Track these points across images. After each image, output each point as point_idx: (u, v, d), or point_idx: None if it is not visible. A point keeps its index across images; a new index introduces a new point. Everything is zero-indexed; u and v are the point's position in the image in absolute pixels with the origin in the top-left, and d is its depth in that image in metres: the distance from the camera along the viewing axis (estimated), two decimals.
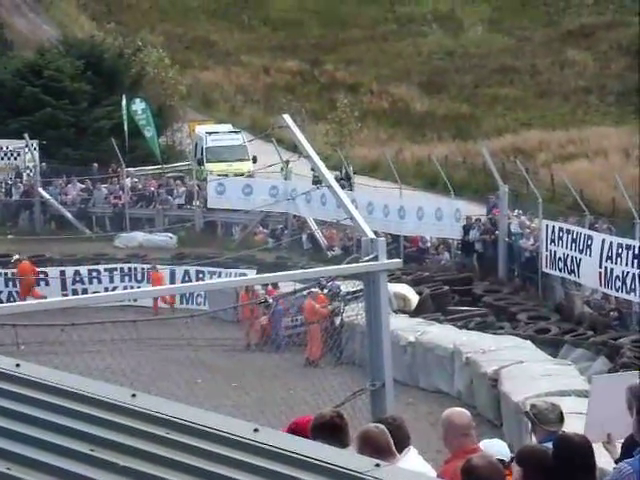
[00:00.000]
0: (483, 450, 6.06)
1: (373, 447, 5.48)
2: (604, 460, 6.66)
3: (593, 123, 44.82)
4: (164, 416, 2.72)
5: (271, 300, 22.37)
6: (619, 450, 6.56)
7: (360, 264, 6.52)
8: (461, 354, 19.60)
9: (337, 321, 21.62)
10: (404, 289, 24.67)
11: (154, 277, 27.96)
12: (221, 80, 56.02)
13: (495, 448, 6.34)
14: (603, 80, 49.54)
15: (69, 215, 35.36)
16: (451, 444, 6.07)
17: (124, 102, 39.45)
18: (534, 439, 6.63)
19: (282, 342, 23.94)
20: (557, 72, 51.75)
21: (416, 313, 23.81)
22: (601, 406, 6.76)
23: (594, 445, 6.43)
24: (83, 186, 36.35)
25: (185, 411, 2.77)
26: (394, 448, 5.60)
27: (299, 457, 2.54)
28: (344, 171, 34.59)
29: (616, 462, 6.33)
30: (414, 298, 24.55)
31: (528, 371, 17.65)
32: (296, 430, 5.28)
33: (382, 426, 5.67)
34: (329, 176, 7.06)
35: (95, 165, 37.52)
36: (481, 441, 6.47)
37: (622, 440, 6.48)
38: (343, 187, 28.01)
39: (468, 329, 22.04)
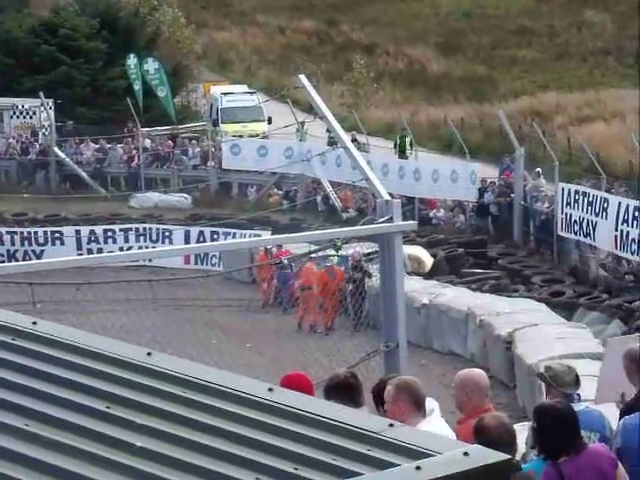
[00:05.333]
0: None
1: (410, 397, 5.51)
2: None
3: (611, 85, 44.45)
4: (180, 375, 2.74)
5: (286, 261, 22.40)
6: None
7: (375, 226, 6.51)
8: (475, 316, 19.63)
9: (349, 287, 21.71)
10: (418, 251, 24.67)
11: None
12: (236, 40, 55.76)
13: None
14: (621, 41, 49.03)
15: (84, 175, 35.40)
16: (470, 404, 6.03)
17: (130, 61, 39.30)
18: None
19: (287, 303, 24.04)
20: (575, 33, 51.29)
21: (430, 275, 23.82)
22: (614, 368, 6.79)
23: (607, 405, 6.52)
24: (98, 146, 36.36)
25: (200, 370, 2.78)
26: (425, 407, 5.62)
27: (312, 416, 2.55)
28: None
29: None
30: (428, 260, 24.55)
31: (542, 334, 17.67)
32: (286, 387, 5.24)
33: (419, 382, 5.71)
34: (345, 137, 7.03)
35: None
36: None
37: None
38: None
39: (482, 292, 22.06)
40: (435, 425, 5.58)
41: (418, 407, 5.55)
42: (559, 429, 5.42)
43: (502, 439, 5.04)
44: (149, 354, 2.86)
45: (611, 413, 6.64)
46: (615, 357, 6.97)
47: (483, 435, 5.10)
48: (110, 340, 2.96)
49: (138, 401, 2.62)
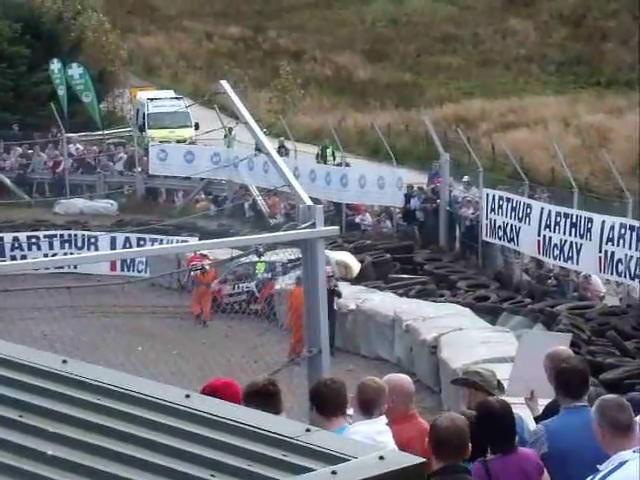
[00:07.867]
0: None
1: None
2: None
3: (534, 92, 45.13)
4: (95, 382, 2.71)
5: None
6: (540, 408, 6.65)
7: (297, 231, 6.52)
8: (401, 321, 19.75)
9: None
10: (346, 257, 24.75)
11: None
12: (163, 46, 55.44)
13: None
14: (544, 49, 49.86)
15: (7, 181, 34.87)
16: (395, 411, 6.06)
17: (53, 66, 38.84)
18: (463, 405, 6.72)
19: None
20: (499, 41, 51.98)
21: (357, 281, 23.91)
22: (528, 362, 6.80)
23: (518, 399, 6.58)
24: (21, 151, 35.85)
25: (117, 377, 2.76)
26: (380, 408, 5.67)
27: (229, 422, 2.55)
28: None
29: (536, 420, 6.47)
30: (356, 266, 24.64)
31: (467, 338, 17.85)
32: (210, 393, 5.20)
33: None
34: (267, 143, 7.03)
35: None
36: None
37: (546, 400, 6.56)
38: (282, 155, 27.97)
39: (409, 297, 22.19)
40: (379, 427, 5.61)
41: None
42: (500, 427, 5.46)
43: (450, 442, 4.96)
44: (64, 362, 2.82)
45: (525, 414, 6.70)
46: (530, 351, 6.98)
47: (432, 432, 5.08)
48: (24, 348, 2.92)
49: (51, 409, 2.59)
